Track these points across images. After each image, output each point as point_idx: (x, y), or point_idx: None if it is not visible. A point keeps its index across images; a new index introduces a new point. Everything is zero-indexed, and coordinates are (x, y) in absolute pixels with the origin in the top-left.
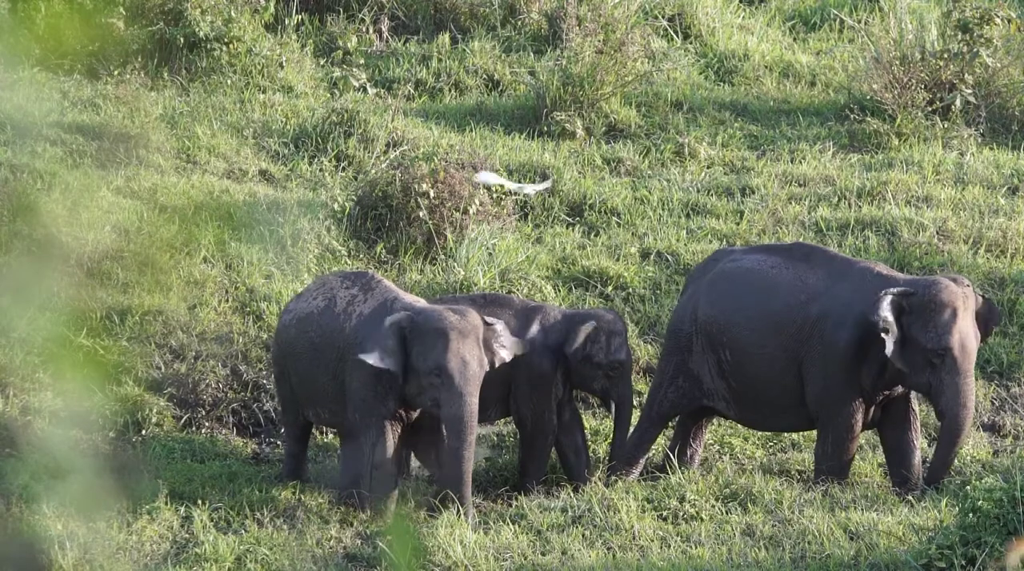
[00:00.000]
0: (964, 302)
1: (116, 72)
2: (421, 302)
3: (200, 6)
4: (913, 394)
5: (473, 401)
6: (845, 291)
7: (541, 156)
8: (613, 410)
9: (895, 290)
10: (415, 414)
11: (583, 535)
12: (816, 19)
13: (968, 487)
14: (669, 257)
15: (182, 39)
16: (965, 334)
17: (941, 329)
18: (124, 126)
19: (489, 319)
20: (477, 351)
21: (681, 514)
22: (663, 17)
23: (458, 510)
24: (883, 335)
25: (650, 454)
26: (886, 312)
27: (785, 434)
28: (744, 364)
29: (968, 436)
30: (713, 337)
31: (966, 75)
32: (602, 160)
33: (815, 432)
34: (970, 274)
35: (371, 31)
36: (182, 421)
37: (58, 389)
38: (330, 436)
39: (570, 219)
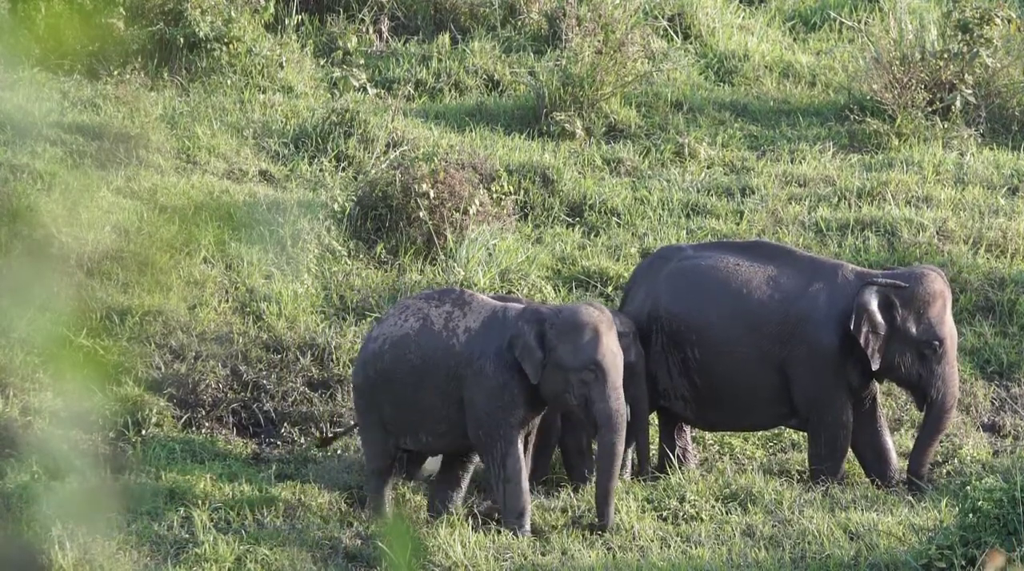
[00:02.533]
0: (949, 289)
1: (116, 72)
2: (529, 304)
3: (200, 6)
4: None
5: (623, 395)
6: (824, 291)
7: (541, 156)
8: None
9: (880, 281)
10: (536, 422)
11: (583, 535)
12: (816, 19)
13: (968, 487)
14: None
15: (182, 39)
16: (951, 322)
17: (935, 320)
18: (124, 126)
19: None
20: (618, 345)
21: (681, 514)
22: (663, 17)
23: (454, 512)
24: (863, 327)
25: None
26: (872, 305)
27: (784, 436)
28: (713, 363)
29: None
30: (680, 335)
31: (966, 75)
32: (602, 160)
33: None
34: (970, 274)
35: (371, 31)
36: (182, 421)
37: (58, 389)
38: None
39: (570, 219)
